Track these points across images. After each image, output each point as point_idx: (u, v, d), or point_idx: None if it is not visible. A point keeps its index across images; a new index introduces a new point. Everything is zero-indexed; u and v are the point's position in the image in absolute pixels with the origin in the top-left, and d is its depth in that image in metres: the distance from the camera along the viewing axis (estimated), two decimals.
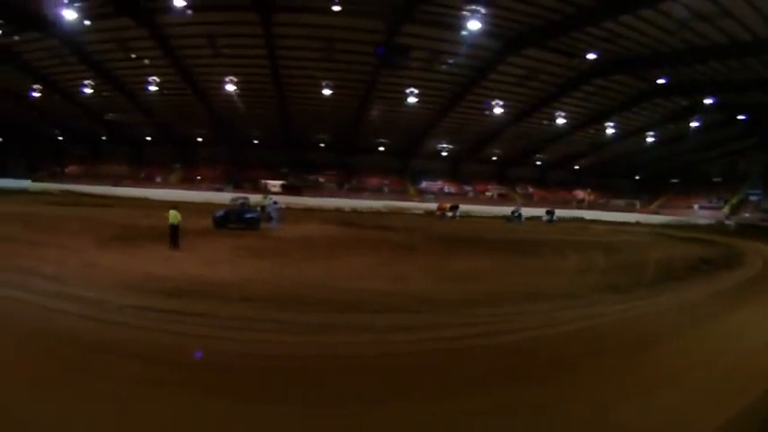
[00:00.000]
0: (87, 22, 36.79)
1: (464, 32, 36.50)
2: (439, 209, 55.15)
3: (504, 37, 38.11)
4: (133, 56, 44.03)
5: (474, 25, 35.21)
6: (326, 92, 48.80)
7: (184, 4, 34.48)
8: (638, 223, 55.93)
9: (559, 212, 60.19)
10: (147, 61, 45.08)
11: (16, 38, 40.67)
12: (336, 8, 34.52)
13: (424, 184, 72.22)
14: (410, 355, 8.33)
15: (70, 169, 69.78)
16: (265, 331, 9.09)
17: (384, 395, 6.60)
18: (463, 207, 56.11)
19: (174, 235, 18.55)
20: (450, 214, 52.75)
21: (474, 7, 33.70)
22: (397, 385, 6.94)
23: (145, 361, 7.23)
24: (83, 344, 7.86)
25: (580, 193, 74.48)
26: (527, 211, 55.56)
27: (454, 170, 73.46)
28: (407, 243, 24.63)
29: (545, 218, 55.25)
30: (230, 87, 48.95)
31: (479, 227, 40.51)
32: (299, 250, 19.69)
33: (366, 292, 12.24)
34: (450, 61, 42.35)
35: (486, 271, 16.78)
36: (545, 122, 55.89)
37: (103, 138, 69.04)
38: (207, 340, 8.42)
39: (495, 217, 54.10)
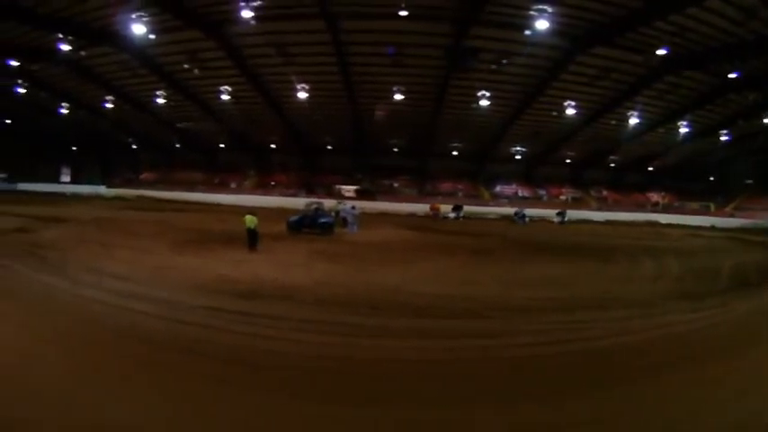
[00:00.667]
0: (152, 36, 38.50)
1: (532, 32, 35.86)
2: (432, 209, 53.81)
3: (572, 36, 37.26)
4: (188, 67, 45.81)
5: (541, 25, 34.54)
6: (398, 96, 48.76)
7: (252, 14, 35.20)
8: (713, 227, 52.79)
9: (631, 216, 58.37)
10: (196, 71, 46.56)
11: (83, 53, 42.70)
12: (403, 13, 34.55)
13: (498, 188, 71.12)
14: (476, 362, 8.15)
15: (145, 175, 73.19)
16: (335, 334, 9.04)
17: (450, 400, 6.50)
18: (465, 208, 54.54)
19: (252, 239, 19.01)
20: (452, 215, 51.21)
21: (540, 6, 33.14)
22: (460, 391, 6.80)
23: (211, 360, 7.47)
24: (156, 343, 8.10)
25: (654, 196, 71.35)
26: (534, 212, 54.94)
27: (528, 173, 71.95)
28: (481, 248, 24.14)
29: (556, 219, 52.80)
30: (302, 95, 49.48)
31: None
32: (373, 254, 19.69)
33: (438, 297, 12.11)
34: (519, 62, 41.51)
35: (560, 277, 16.30)
36: (618, 123, 54.00)
37: (177, 145, 71.73)
38: (276, 342, 8.50)
39: (504, 217, 53.15)
